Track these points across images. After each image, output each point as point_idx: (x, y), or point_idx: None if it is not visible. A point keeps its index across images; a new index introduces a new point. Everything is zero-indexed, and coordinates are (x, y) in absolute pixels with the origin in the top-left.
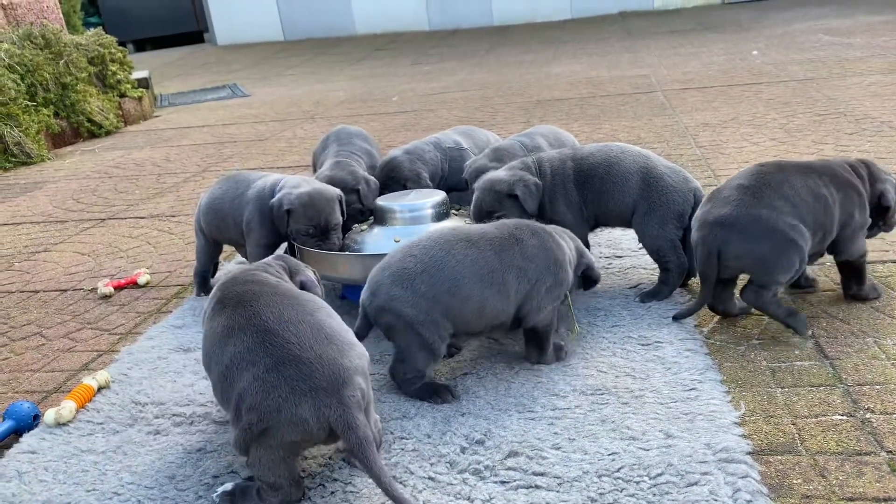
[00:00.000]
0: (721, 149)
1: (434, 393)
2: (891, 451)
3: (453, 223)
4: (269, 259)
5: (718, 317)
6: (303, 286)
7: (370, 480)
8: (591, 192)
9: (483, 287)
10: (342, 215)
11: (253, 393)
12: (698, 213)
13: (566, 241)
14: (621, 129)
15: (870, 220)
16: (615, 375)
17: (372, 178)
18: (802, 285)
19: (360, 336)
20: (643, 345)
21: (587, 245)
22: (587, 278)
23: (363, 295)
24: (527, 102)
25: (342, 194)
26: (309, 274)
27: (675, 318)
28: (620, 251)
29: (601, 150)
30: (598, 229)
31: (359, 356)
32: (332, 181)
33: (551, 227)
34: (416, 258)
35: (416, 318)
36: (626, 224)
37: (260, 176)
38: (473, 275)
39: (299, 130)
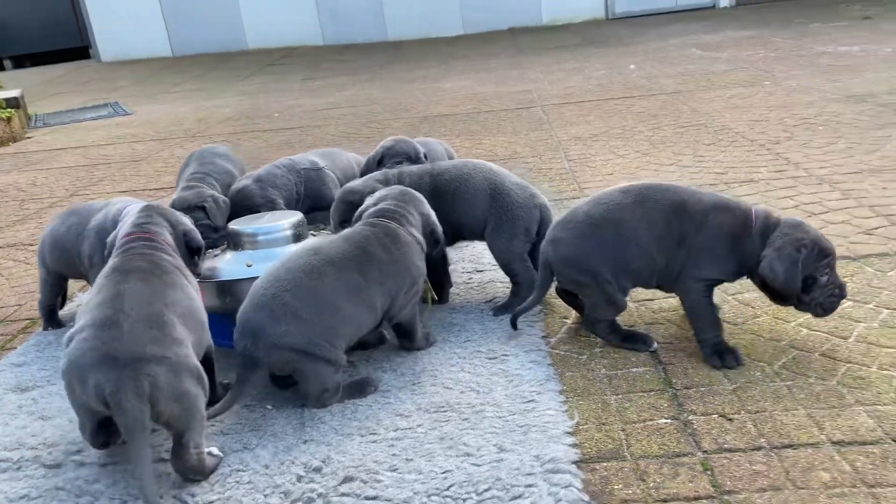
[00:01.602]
0: (589, 162)
1: (359, 390)
2: (706, 451)
3: (309, 243)
4: (148, 223)
5: (565, 328)
6: (185, 235)
7: None
8: (445, 206)
9: (356, 305)
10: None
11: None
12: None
13: (414, 223)
14: (499, 144)
15: (731, 273)
16: (460, 391)
17: (222, 196)
18: None
19: (247, 381)
20: (490, 358)
21: (446, 258)
22: (433, 240)
23: (241, 341)
24: (413, 118)
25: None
26: (188, 222)
27: (512, 321)
28: (481, 266)
29: (455, 167)
30: (463, 243)
31: (177, 354)
32: (175, 202)
33: (398, 210)
34: (292, 292)
35: (311, 344)
36: (480, 238)
37: (100, 206)
38: (348, 295)
39: (178, 150)
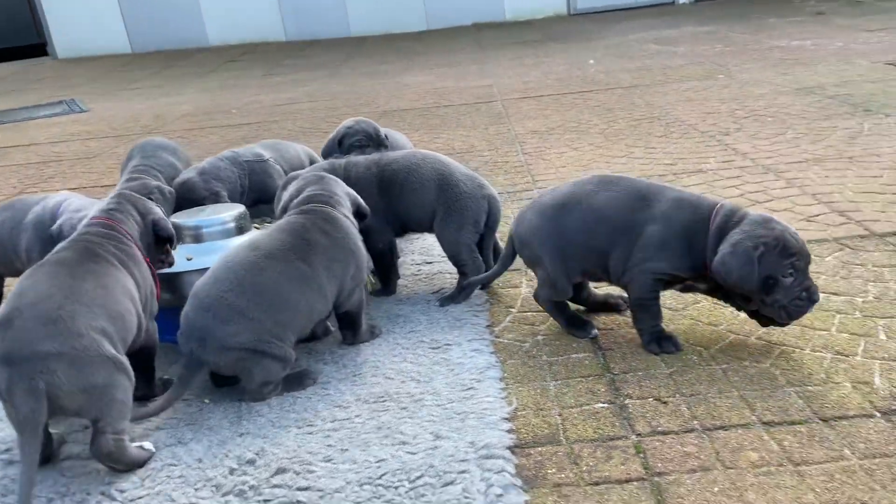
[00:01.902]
0: (543, 155)
1: (298, 383)
2: (640, 434)
3: (246, 238)
4: (114, 209)
5: (510, 317)
6: (154, 225)
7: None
8: (393, 197)
9: (305, 294)
10: None
11: None
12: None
13: (345, 204)
14: (457, 138)
15: (685, 269)
16: (401, 381)
17: (168, 187)
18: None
19: (189, 381)
20: (433, 348)
21: (395, 251)
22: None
23: (187, 343)
24: (373, 113)
25: None
26: (158, 212)
27: (468, 286)
28: (431, 257)
29: (404, 157)
30: (414, 236)
31: (75, 347)
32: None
33: (328, 193)
34: (235, 291)
35: (261, 342)
36: (429, 229)
37: (38, 200)
38: (294, 287)
39: None
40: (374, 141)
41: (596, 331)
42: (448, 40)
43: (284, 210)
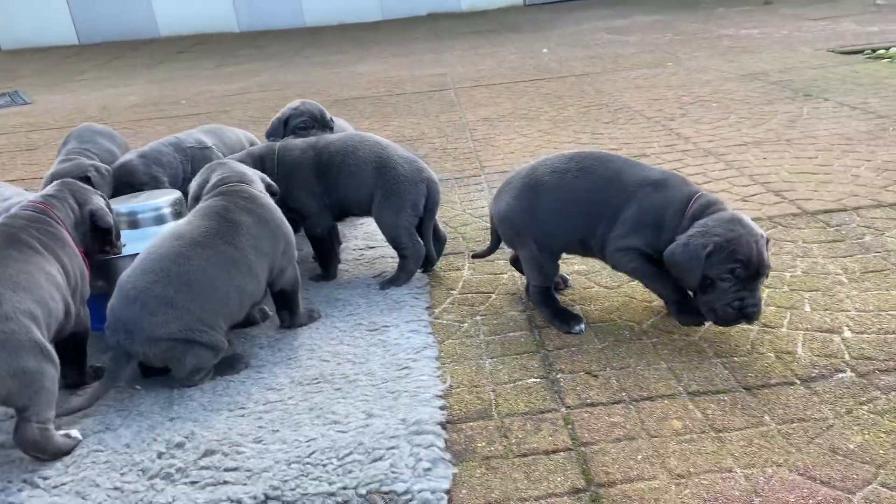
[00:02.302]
0: (493, 141)
1: (230, 367)
2: (569, 406)
3: (169, 227)
4: (54, 196)
5: (450, 298)
6: (92, 216)
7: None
8: (330, 181)
9: (234, 278)
10: None
11: None
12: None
13: (261, 186)
14: (408, 126)
15: (655, 249)
16: (336, 363)
17: (104, 166)
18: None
19: (118, 375)
20: (371, 330)
21: (336, 236)
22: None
23: (114, 336)
24: (325, 101)
25: None
26: (98, 202)
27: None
28: (374, 242)
29: (341, 140)
30: (360, 221)
31: (7, 331)
32: (55, 175)
33: (240, 173)
34: (162, 282)
35: (191, 331)
36: (369, 213)
37: None
38: (223, 272)
39: None
40: (320, 122)
41: (582, 327)
42: (403, 30)
43: (196, 199)
